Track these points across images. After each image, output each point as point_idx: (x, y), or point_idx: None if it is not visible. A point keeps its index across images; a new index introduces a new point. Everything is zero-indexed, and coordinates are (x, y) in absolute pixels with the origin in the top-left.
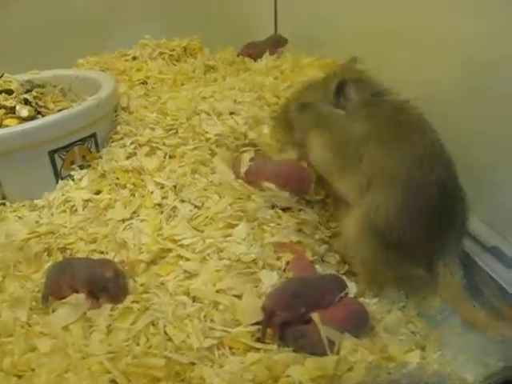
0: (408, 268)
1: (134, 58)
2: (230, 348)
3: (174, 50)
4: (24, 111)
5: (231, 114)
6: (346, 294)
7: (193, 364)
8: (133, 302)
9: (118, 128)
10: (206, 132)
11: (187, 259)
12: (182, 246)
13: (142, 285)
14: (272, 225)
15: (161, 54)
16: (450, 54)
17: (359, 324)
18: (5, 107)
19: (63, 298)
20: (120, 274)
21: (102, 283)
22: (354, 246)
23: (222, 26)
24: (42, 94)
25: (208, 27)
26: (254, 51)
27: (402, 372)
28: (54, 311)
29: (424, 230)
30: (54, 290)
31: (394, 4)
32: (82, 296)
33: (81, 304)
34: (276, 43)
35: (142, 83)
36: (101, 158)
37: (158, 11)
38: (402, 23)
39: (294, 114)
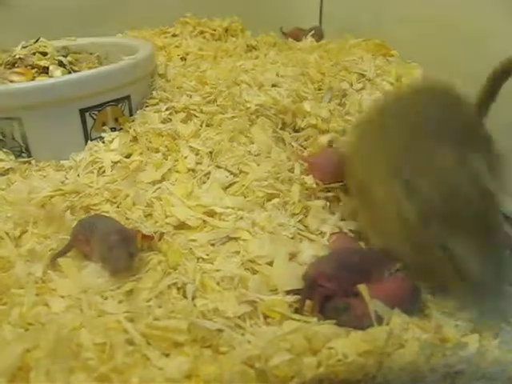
0: None
1: (174, 35)
2: (265, 317)
3: (215, 30)
4: (57, 72)
5: (273, 86)
6: (397, 269)
7: (220, 331)
8: (158, 262)
9: (154, 93)
10: (247, 101)
11: (218, 226)
12: (214, 211)
13: (169, 247)
14: None
15: (201, 32)
16: None
17: (411, 300)
18: (38, 66)
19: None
20: (129, 247)
21: (107, 252)
22: None
23: (264, 12)
24: (77, 60)
25: (250, 12)
26: (300, 34)
27: (460, 355)
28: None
29: None
30: (75, 245)
31: None
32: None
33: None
34: (316, 35)
35: (181, 59)
36: (133, 121)
37: None
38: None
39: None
